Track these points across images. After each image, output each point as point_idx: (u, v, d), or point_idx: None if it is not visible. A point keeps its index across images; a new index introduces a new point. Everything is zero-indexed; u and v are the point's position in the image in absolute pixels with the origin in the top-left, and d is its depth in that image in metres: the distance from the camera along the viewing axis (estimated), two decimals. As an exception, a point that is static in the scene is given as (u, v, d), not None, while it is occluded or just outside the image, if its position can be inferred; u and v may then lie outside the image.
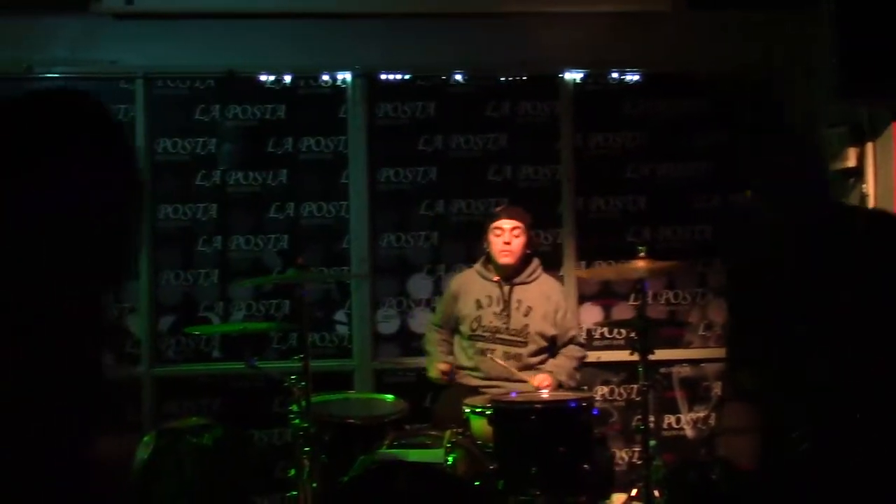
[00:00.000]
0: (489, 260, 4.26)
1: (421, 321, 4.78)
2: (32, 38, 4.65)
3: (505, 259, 4.16)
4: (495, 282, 4.22)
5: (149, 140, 4.74)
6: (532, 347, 4.16)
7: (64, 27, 4.66)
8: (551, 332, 4.21)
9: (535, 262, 4.30)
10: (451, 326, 4.32)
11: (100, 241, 1.51)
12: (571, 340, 4.27)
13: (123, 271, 1.60)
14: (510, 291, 4.20)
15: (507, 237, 4.15)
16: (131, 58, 4.72)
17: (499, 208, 4.35)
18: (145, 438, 4.20)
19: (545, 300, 4.21)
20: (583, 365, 4.34)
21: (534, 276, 4.25)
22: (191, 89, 4.79)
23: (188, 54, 4.74)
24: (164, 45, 4.71)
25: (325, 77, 4.84)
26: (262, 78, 4.81)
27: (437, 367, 4.20)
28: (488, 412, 3.57)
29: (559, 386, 4.09)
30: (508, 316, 4.16)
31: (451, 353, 4.32)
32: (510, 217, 4.20)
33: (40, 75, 4.67)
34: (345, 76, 4.83)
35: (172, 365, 4.77)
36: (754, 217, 2.56)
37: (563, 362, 4.20)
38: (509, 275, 4.20)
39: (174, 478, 4.01)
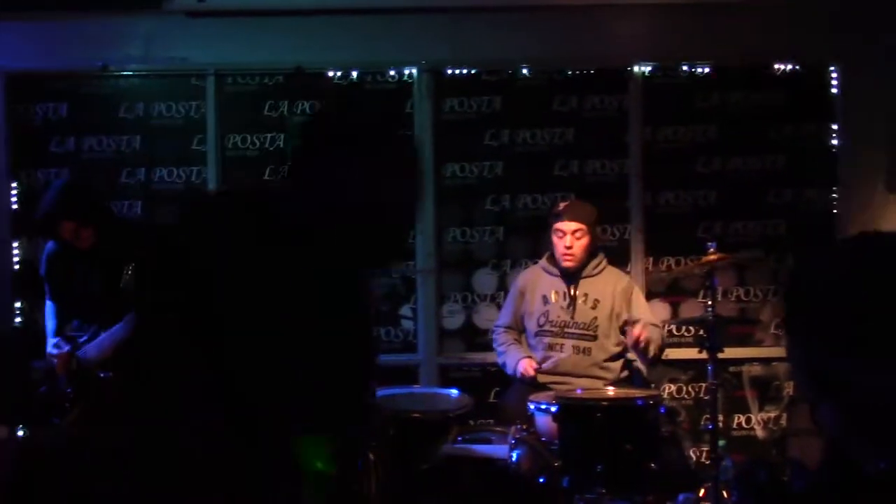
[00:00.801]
0: (553, 256, 4.21)
1: (486, 316, 4.76)
2: (108, 37, 4.76)
3: (567, 263, 4.10)
4: (560, 277, 4.17)
5: (219, 136, 4.82)
6: (601, 342, 4.11)
7: (138, 25, 4.77)
8: (624, 315, 4.13)
9: (600, 255, 4.25)
10: (520, 326, 4.28)
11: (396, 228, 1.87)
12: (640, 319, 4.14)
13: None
14: (576, 285, 4.15)
15: (568, 240, 4.07)
16: (202, 55, 4.80)
17: (561, 206, 4.20)
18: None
19: (612, 291, 4.14)
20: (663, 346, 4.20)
21: (599, 268, 4.19)
22: (260, 85, 4.86)
23: (257, 51, 4.81)
24: (234, 42, 4.79)
25: (392, 72, 4.86)
26: (330, 74, 4.85)
27: (526, 363, 4.11)
28: (553, 409, 3.55)
29: (648, 345, 3.97)
30: (575, 309, 4.12)
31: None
32: (572, 219, 4.09)
33: (115, 73, 4.79)
34: (411, 71, 4.84)
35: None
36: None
37: (647, 324, 4.07)
38: (573, 274, 4.16)
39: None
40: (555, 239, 4.13)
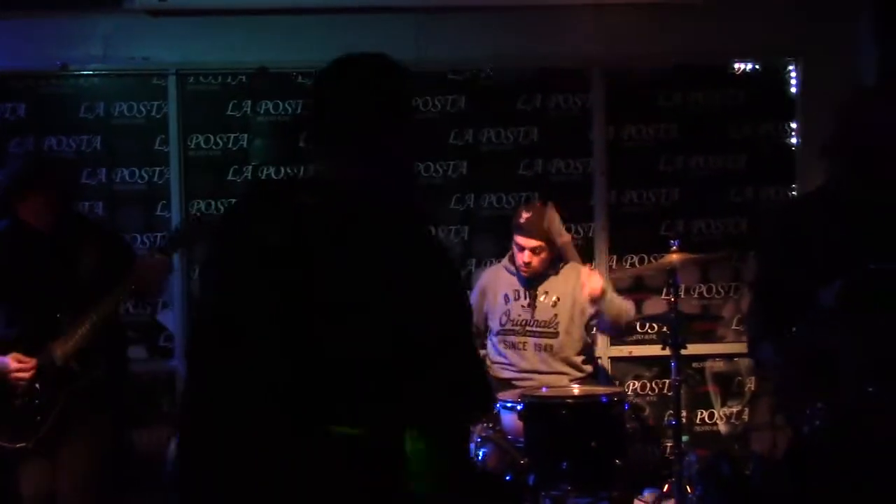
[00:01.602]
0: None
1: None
2: (67, 36, 4.71)
3: (525, 274, 4.13)
4: (520, 277, 4.19)
5: (181, 136, 4.78)
6: (563, 338, 4.12)
7: (98, 25, 4.72)
8: (586, 314, 4.15)
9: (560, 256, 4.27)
10: (482, 325, 4.29)
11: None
12: None
13: None
14: (537, 284, 4.17)
15: (527, 256, 4.06)
16: (164, 54, 4.76)
17: (522, 217, 4.09)
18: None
19: (572, 286, 4.15)
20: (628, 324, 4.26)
21: (558, 266, 4.21)
22: (223, 85, 4.83)
23: (220, 50, 4.77)
24: (196, 41, 4.75)
25: (356, 71, 4.83)
26: (294, 73, 4.82)
27: None
28: (519, 407, 3.57)
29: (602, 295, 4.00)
30: (535, 308, 4.13)
31: (482, 348, 4.30)
32: (531, 236, 4.05)
33: (75, 72, 4.74)
34: (376, 70, 4.82)
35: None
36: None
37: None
38: (532, 280, 4.18)
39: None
40: (515, 247, 4.14)
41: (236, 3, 4.69)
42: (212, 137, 4.82)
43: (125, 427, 3.90)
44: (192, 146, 4.81)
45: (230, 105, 4.83)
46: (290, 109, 4.85)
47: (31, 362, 3.31)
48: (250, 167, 4.82)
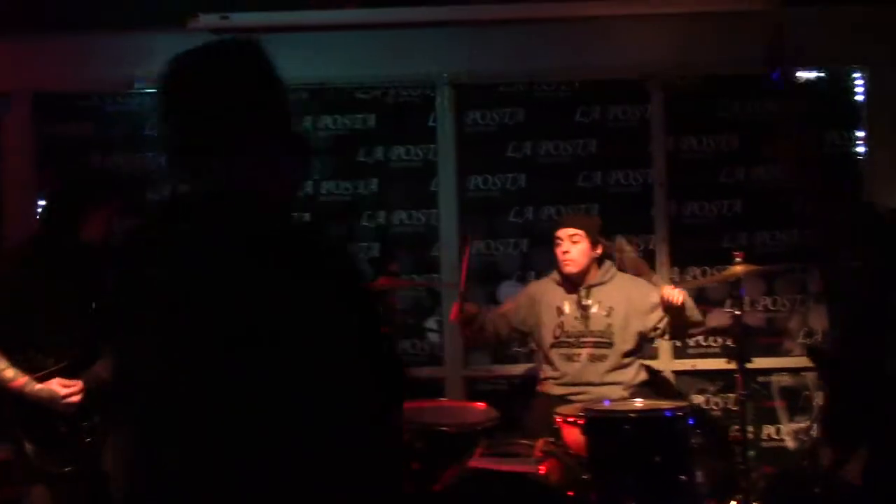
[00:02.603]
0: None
1: (511, 328, 4.75)
2: (133, 55, 4.81)
3: (567, 268, 4.11)
4: (572, 287, 4.16)
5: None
6: (618, 348, 4.08)
7: (163, 43, 4.79)
8: (640, 327, 4.11)
9: (608, 263, 4.23)
10: (511, 321, 4.26)
11: None
12: None
13: None
14: (588, 294, 4.14)
15: (565, 245, 4.09)
16: (226, 72, 4.82)
17: (563, 216, 4.29)
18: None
19: (626, 297, 4.12)
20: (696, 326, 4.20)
21: (609, 275, 4.18)
22: (284, 101, 4.87)
23: (281, 67, 4.80)
24: (257, 58, 4.80)
25: (414, 86, 4.87)
26: (353, 88, 4.87)
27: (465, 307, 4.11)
28: (581, 421, 3.53)
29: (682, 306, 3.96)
30: (588, 318, 4.10)
31: (491, 325, 4.26)
32: (567, 224, 4.15)
33: (140, 90, 4.84)
34: (433, 85, 4.85)
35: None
36: None
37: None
38: (575, 282, 4.15)
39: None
40: (557, 249, 4.14)
41: (296, 20, 4.75)
42: (272, 153, 4.87)
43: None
44: (254, 162, 4.86)
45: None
46: (348, 124, 4.90)
47: (77, 385, 3.30)
48: (311, 182, 4.87)
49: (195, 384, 1.39)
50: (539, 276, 4.77)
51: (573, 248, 4.09)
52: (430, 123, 4.87)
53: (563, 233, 4.12)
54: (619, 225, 4.69)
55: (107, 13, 4.69)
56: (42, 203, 4.55)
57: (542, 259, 4.82)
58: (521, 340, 4.48)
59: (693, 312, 4.09)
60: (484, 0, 4.72)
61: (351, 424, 1.39)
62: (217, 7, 4.66)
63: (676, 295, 3.95)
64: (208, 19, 4.67)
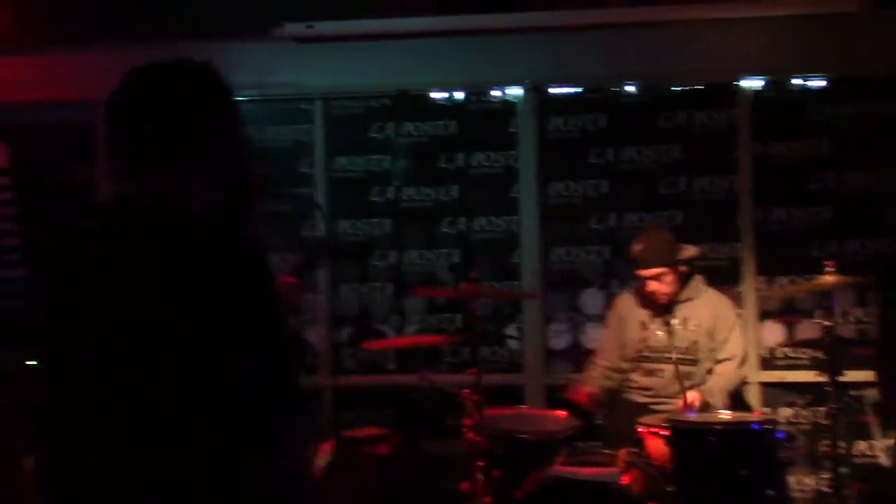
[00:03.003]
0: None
1: (593, 336, 4.70)
2: (221, 64, 4.89)
3: (662, 300, 4.04)
4: (656, 306, 4.10)
5: (327, 158, 4.92)
6: (703, 365, 4.02)
7: (250, 53, 4.91)
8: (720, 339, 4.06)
9: (696, 278, 4.15)
10: (618, 353, 4.21)
11: None
12: (730, 359, 4.08)
13: None
14: (674, 309, 4.07)
15: (653, 286, 4.01)
16: (310, 79, 4.92)
17: (636, 250, 4.02)
18: (324, 446, 4.35)
19: (710, 315, 4.05)
20: (740, 385, 4.16)
21: (697, 291, 4.10)
22: (366, 108, 4.94)
23: (363, 74, 4.89)
24: (340, 66, 4.88)
25: (496, 92, 4.87)
26: (434, 95, 4.89)
27: (581, 390, 4.10)
28: (665, 432, 3.47)
29: (707, 406, 3.90)
30: (673, 334, 4.03)
31: (606, 379, 4.21)
32: (650, 266, 3.98)
33: (228, 99, 4.94)
34: (515, 91, 4.84)
35: (349, 375, 4.91)
36: None
37: (715, 383, 4.03)
38: (665, 307, 4.08)
39: (351, 485, 4.13)
40: (639, 278, 4.07)
41: (379, 28, 4.79)
42: (355, 159, 4.94)
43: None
44: (337, 168, 4.94)
45: (373, 127, 4.94)
46: (429, 130, 4.92)
47: None
48: (392, 187, 4.92)
49: (84, 381, 1.46)
50: (622, 284, 4.72)
51: (660, 286, 4.00)
52: (512, 129, 4.86)
53: (645, 273, 4.01)
54: (703, 233, 4.60)
55: (195, 23, 4.82)
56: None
57: (624, 266, 4.75)
58: None
59: (718, 399, 3.96)
60: (567, 5, 4.70)
61: (226, 426, 1.43)
62: (302, 16, 4.74)
63: (693, 401, 3.86)
64: (293, 28, 4.75)
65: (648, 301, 4.09)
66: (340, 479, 4.11)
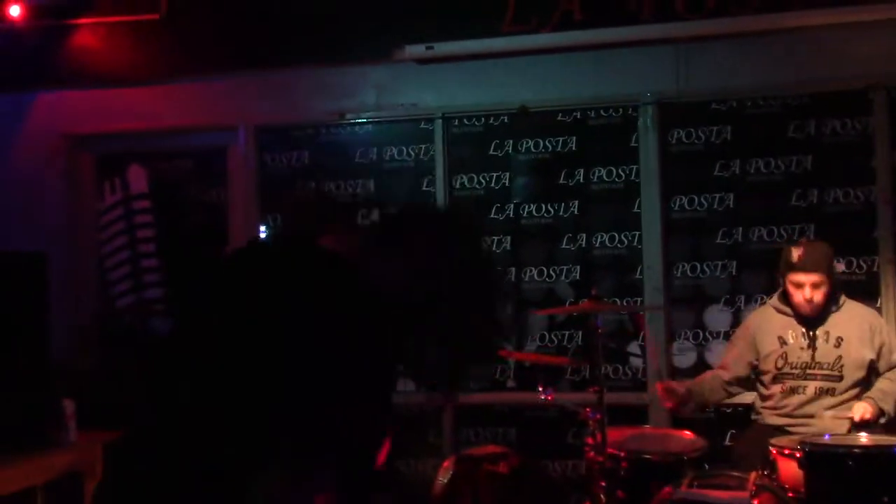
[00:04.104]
0: (786, 295, 3.97)
1: (719, 354, 4.56)
2: (344, 88, 5.07)
3: (806, 310, 3.87)
4: (796, 316, 3.93)
5: (447, 176, 4.97)
6: (848, 381, 3.83)
7: (370, 75, 5.05)
8: (870, 356, 3.85)
9: (839, 292, 3.96)
10: (741, 370, 4.06)
11: None
12: None
13: None
14: (816, 323, 3.90)
15: (808, 292, 3.82)
16: (430, 99, 4.99)
17: (795, 255, 3.85)
18: (445, 463, 4.37)
19: (857, 327, 3.86)
20: None
21: (839, 304, 3.91)
22: (485, 126, 4.97)
23: (482, 93, 4.93)
24: (460, 85, 4.94)
25: (616, 106, 4.81)
26: (553, 111, 4.88)
27: (668, 386, 3.96)
28: (799, 455, 3.32)
29: (881, 415, 3.72)
30: (816, 349, 3.86)
31: (712, 389, 4.07)
32: (812, 270, 3.81)
33: (350, 121, 5.08)
34: (636, 105, 4.77)
35: (469, 393, 4.92)
36: None
37: (887, 387, 3.83)
38: (812, 320, 3.91)
39: (470, 502, 4.13)
40: (791, 288, 3.89)
41: (497, 47, 4.83)
42: (475, 177, 4.97)
43: (391, 457, 4.06)
44: (458, 186, 4.98)
45: (493, 145, 4.96)
46: (549, 147, 4.90)
47: None
48: (512, 205, 4.92)
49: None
50: (748, 300, 4.57)
51: (816, 293, 3.83)
52: (633, 144, 4.78)
53: (805, 278, 3.83)
54: (838, 246, 4.39)
55: (320, 50, 4.99)
56: (267, 225, 4.98)
57: (751, 282, 4.61)
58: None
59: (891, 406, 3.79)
60: (689, 16, 4.60)
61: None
62: (422, 38, 4.83)
63: (864, 414, 3.70)
64: (414, 50, 4.84)
65: (791, 313, 3.93)
66: (460, 497, 4.11)
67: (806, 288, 3.83)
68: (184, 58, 5.21)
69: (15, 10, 5.13)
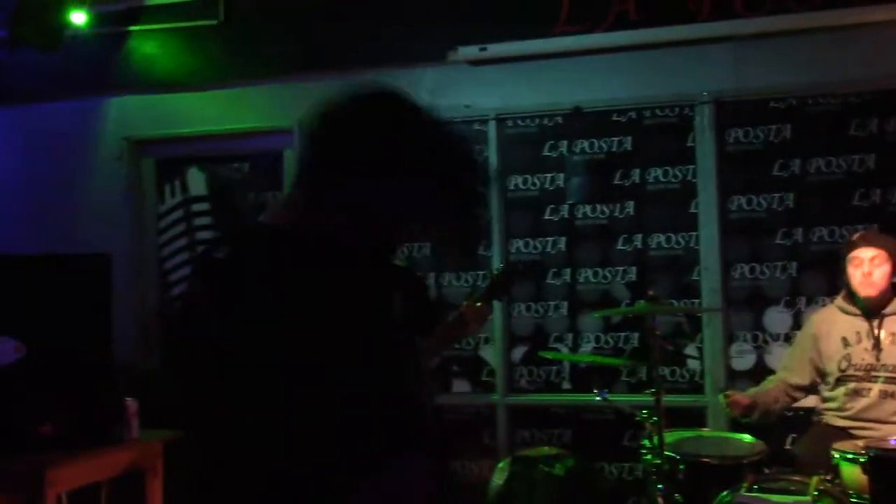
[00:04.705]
0: (850, 293, 3.91)
1: (778, 357, 4.49)
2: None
3: (867, 291, 3.80)
4: (860, 316, 3.86)
5: (501, 177, 4.97)
6: None
7: (424, 77, 5.06)
8: None
9: None
10: (805, 374, 4.00)
11: None
12: None
13: None
14: (880, 324, 3.82)
15: (866, 267, 3.79)
16: (484, 100, 5.00)
17: (856, 235, 3.97)
18: (500, 464, 4.37)
19: None
20: None
21: None
22: (539, 127, 4.96)
23: (536, 93, 4.92)
24: (513, 86, 4.94)
25: (672, 106, 4.76)
26: (609, 111, 4.85)
27: (733, 398, 3.90)
28: (863, 459, 3.25)
29: None
30: (881, 350, 3.79)
31: (776, 398, 4.00)
32: (869, 244, 3.83)
33: (405, 123, 5.09)
34: (692, 104, 4.72)
35: (524, 394, 4.92)
36: None
37: None
38: (874, 308, 3.83)
39: (526, 504, 4.13)
40: (850, 269, 3.85)
41: (550, 47, 4.82)
42: (529, 178, 4.96)
43: (446, 459, 4.07)
44: (511, 187, 4.98)
45: (547, 146, 4.94)
46: (604, 147, 4.87)
47: None
48: (566, 206, 4.90)
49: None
50: (809, 302, 4.49)
51: (876, 270, 3.81)
52: (689, 143, 4.73)
53: (864, 253, 3.84)
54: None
55: (374, 53, 5.02)
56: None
57: (812, 283, 4.53)
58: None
59: None
60: (748, 14, 4.54)
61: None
62: (475, 40, 4.84)
63: None
64: (467, 52, 4.86)
65: (856, 311, 3.86)
66: (515, 498, 4.11)
67: (865, 263, 3.80)
68: (241, 62, 5.29)
69: (79, 18, 5.26)
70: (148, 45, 5.54)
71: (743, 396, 3.97)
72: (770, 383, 4.09)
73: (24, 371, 3.87)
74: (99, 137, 5.67)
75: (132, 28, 5.54)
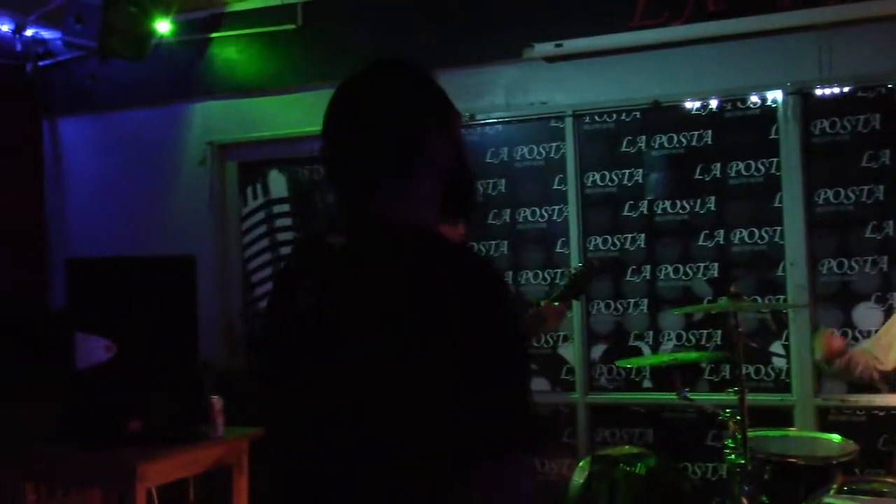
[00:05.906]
0: None
1: (870, 355, 4.33)
2: (474, 89, 5.10)
3: None
4: None
5: (579, 174, 4.93)
6: None
7: (500, 75, 5.06)
8: None
9: None
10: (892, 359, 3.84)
11: None
12: None
13: None
14: None
15: None
16: (560, 97, 4.96)
17: None
18: (581, 463, 4.34)
19: None
20: None
21: None
22: (617, 122, 4.90)
23: (613, 89, 4.87)
24: (590, 82, 4.89)
25: (754, 98, 4.65)
26: (688, 105, 4.76)
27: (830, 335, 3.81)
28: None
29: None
30: None
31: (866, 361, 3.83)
32: None
33: (481, 121, 5.10)
34: (775, 95, 4.60)
35: (604, 393, 4.87)
36: None
37: None
38: None
39: (607, 503, 4.09)
40: None
41: (626, 42, 4.75)
42: (607, 174, 4.91)
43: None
44: (589, 184, 4.93)
45: (624, 141, 4.88)
46: (684, 141, 4.78)
47: None
48: (645, 202, 4.83)
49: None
50: (902, 297, 4.33)
51: None
52: (772, 136, 4.61)
53: None
54: None
55: (450, 51, 5.03)
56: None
57: (905, 278, 4.36)
58: None
59: None
60: (832, 1, 4.40)
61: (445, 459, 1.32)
62: (550, 36, 4.81)
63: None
64: (543, 48, 4.83)
65: None
66: (596, 497, 4.08)
67: None
68: (319, 66, 5.37)
69: (164, 27, 5.42)
70: (229, 51, 5.68)
71: (840, 339, 3.84)
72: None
73: (115, 369, 4.01)
74: (184, 142, 5.84)
75: (214, 35, 5.68)
